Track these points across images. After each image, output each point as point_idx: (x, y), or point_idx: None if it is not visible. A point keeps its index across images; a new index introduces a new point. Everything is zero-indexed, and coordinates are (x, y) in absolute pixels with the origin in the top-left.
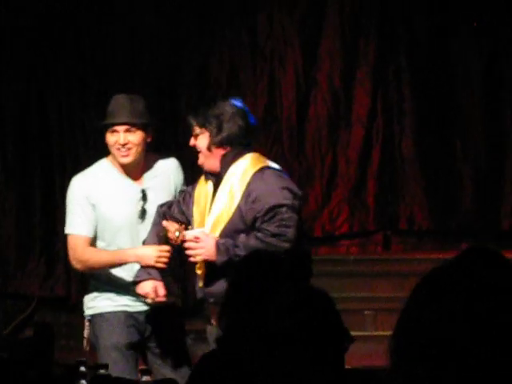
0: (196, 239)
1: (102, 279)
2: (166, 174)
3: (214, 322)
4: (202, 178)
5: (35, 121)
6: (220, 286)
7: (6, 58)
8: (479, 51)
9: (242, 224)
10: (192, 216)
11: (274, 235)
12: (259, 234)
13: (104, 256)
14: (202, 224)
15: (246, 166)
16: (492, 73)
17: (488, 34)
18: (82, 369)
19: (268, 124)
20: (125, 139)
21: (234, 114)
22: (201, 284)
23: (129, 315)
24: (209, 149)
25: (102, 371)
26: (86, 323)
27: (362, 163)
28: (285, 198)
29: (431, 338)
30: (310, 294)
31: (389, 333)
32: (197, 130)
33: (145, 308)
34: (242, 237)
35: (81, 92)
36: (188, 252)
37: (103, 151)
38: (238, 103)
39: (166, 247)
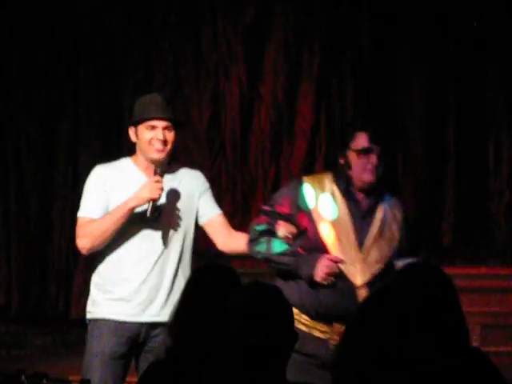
0: None
1: (104, 285)
2: (184, 181)
3: None
4: None
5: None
6: None
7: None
8: (422, 65)
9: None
10: None
11: None
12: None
13: (104, 219)
14: None
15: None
16: (435, 85)
17: (431, 47)
18: (22, 378)
19: (212, 136)
20: (164, 135)
21: None
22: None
23: (122, 324)
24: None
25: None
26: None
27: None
28: None
29: (375, 352)
30: (262, 298)
31: None
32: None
33: (145, 320)
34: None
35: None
36: None
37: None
38: None
39: (156, 177)
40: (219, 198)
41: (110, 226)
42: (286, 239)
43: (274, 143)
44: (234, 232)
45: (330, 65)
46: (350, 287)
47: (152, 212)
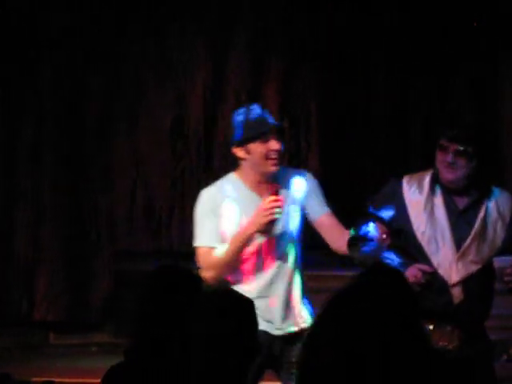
0: None
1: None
2: (291, 188)
3: None
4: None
5: None
6: None
7: None
8: (385, 68)
9: None
10: None
11: None
12: None
13: (226, 248)
14: None
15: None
16: (396, 84)
17: (389, 48)
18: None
19: (175, 138)
20: (279, 145)
21: None
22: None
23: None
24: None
25: None
26: None
27: None
28: None
29: (336, 354)
30: (227, 302)
31: None
32: (472, 154)
33: (281, 333)
34: None
35: None
36: None
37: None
38: None
39: (273, 197)
40: (182, 199)
41: (233, 255)
42: (381, 241)
43: None
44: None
45: (293, 67)
46: (444, 286)
47: (272, 230)
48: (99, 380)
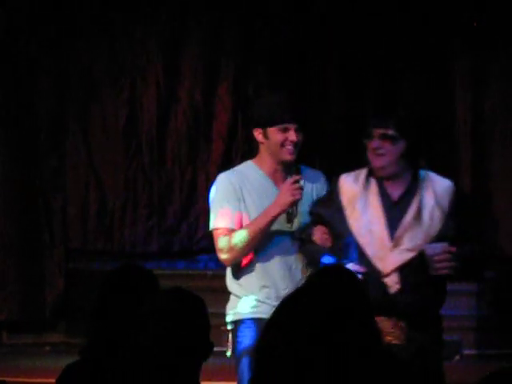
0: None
1: (245, 285)
2: (313, 181)
3: None
4: None
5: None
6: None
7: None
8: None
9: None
10: None
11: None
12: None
13: (247, 229)
14: None
15: (437, 179)
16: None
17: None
18: None
19: (128, 137)
20: (297, 137)
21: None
22: None
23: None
24: (403, 156)
25: None
26: (229, 328)
27: None
28: None
29: (289, 355)
30: (179, 301)
31: None
32: (395, 136)
33: None
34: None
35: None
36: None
37: None
38: None
39: (294, 177)
40: (135, 199)
41: (252, 238)
42: (323, 242)
43: (190, 145)
44: None
45: (247, 66)
46: (378, 276)
47: (294, 215)
48: (53, 380)
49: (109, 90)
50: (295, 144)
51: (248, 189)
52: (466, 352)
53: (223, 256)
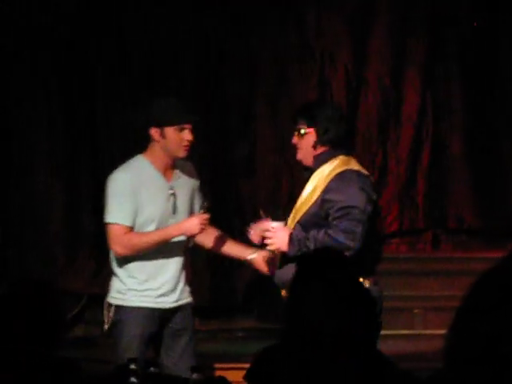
0: (273, 230)
1: (133, 270)
2: (187, 175)
3: None
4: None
5: (82, 119)
6: (289, 273)
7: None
8: None
9: (317, 218)
10: None
11: (342, 232)
12: (329, 230)
13: (151, 236)
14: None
15: (334, 166)
16: None
17: None
18: (133, 366)
19: None
20: (192, 136)
21: (341, 118)
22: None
23: (154, 311)
24: (314, 147)
25: (152, 369)
26: (111, 308)
27: (411, 161)
28: (359, 200)
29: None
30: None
31: (438, 331)
32: (304, 128)
33: (173, 305)
34: (314, 230)
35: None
36: (265, 241)
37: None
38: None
39: (206, 215)
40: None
41: (150, 246)
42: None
43: (380, 129)
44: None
45: (435, 49)
46: None
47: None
48: (247, 365)
49: (296, 76)
50: (190, 142)
51: (142, 184)
52: None
53: (116, 248)
